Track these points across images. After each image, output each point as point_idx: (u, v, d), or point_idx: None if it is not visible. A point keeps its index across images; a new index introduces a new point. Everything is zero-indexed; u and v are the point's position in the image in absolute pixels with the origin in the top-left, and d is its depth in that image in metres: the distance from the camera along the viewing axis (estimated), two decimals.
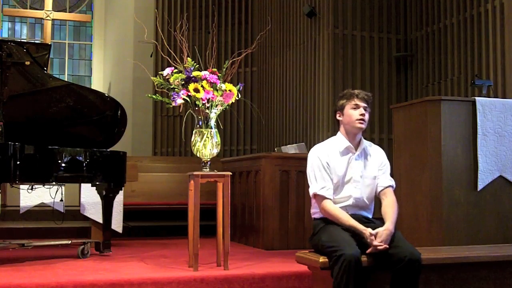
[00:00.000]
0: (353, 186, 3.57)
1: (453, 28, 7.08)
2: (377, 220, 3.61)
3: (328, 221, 3.53)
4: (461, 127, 4.65)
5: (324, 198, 3.52)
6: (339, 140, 3.66)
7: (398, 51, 7.91)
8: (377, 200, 3.69)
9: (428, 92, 7.40)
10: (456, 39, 7.03)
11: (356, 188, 3.57)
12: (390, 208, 3.56)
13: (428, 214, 4.53)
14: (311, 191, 3.57)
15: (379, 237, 3.28)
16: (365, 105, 3.62)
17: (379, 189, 3.66)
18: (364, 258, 3.29)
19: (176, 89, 4.29)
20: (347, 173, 3.58)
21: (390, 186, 3.67)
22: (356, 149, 3.63)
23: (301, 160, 5.35)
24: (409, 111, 4.97)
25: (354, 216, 3.52)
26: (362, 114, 3.60)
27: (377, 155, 3.72)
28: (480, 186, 4.60)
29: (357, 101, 3.61)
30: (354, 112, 3.60)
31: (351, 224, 3.39)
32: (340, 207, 3.53)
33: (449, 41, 7.14)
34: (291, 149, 6.77)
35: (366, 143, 3.71)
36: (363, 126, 3.61)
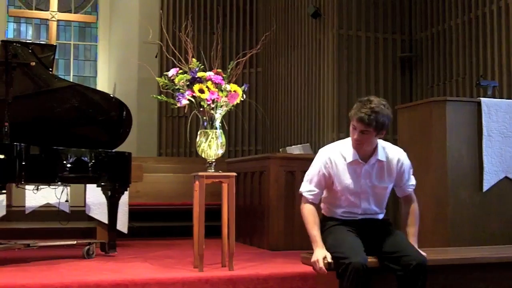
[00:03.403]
0: (362, 197, 3.51)
1: (458, 28, 7.07)
2: (388, 222, 3.61)
3: (334, 219, 3.54)
4: (466, 128, 4.65)
5: (307, 200, 3.54)
6: (349, 149, 3.49)
7: (403, 52, 7.90)
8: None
9: (433, 92, 7.38)
10: (461, 39, 7.02)
11: (365, 198, 3.52)
12: (411, 219, 3.56)
13: (433, 215, 4.52)
14: (300, 189, 3.60)
15: None
16: (364, 128, 3.35)
17: (399, 194, 3.63)
18: (370, 259, 3.29)
19: (181, 90, 4.29)
20: (354, 184, 3.49)
21: (410, 192, 3.62)
22: (367, 159, 3.47)
23: (306, 161, 5.33)
24: (414, 112, 4.97)
25: (364, 221, 3.51)
26: (357, 140, 3.41)
27: (393, 159, 3.53)
28: (485, 187, 4.60)
29: (354, 123, 3.40)
30: (352, 132, 3.43)
31: (312, 235, 3.42)
32: (348, 212, 3.52)
33: (454, 42, 7.13)
34: (296, 149, 6.78)
35: (381, 151, 3.50)
36: (359, 149, 3.44)
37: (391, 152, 3.55)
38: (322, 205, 3.63)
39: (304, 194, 3.56)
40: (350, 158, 3.48)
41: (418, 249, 3.37)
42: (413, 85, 7.90)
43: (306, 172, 3.61)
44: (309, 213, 3.50)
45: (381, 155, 3.49)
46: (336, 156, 3.52)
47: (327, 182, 3.52)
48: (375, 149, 3.48)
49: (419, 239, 3.54)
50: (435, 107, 4.68)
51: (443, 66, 7.33)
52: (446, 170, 4.56)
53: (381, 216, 3.61)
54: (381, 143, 3.55)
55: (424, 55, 7.71)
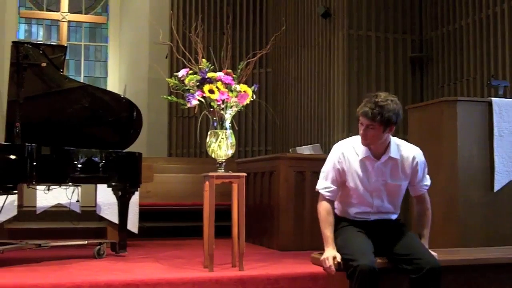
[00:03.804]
0: (375, 194, 3.50)
1: (469, 28, 7.04)
2: (401, 223, 3.60)
3: (346, 220, 3.53)
4: (477, 127, 4.62)
5: (324, 198, 3.53)
6: (362, 146, 3.48)
7: (413, 52, 7.88)
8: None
9: (443, 92, 7.36)
10: (472, 39, 6.98)
11: (378, 196, 3.50)
12: (423, 220, 3.55)
13: (444, 215, 4.51)
14: (316, 186, 3.59)
15: None
16: (369, 123, 3.36)
17: (412, 194, 3.62)
18: (380, 260, 3.29)
19: (191, 90, 4.30)
20: (366, 181, 3.48)
21: (424, 192, 3.60)
22: (380, 157, 3.46)
23: (316, 161, 5.34)
24: (424, 111, 4.96)
25: (376, 222, 3.50)
26: (362, 135, 3.43)
27: (408, 158, 3.51)
28: (496, 187, 4.58)
29: (360, 118, 3.42)
30: (360, 127, 3.45)
31: (324, 235, 3.42)
32: (361, 212, 3.52)
33: (465, 42, 7.10)
34: (306, 150, 6.77)
35: (394, 149, 3.48)
36: (365, 144, 3.45)
37: (406, 150, 3.53)
38: (335, 204, 3.62)
39: (320, 191, 3.54)
40: (362, 155, 3.47)
41: (430, 251, 3.36)
42: (423, 85, 7.88)
43: (321, 169, 3.60)
44: (324, 212, 3.50)
45: (394, 153, 3.47)
46: (349, 151, 3.52)
47: (341, 177, 3.51)
48: (387, 146, 3.47)
49: (430, 239, 3.53)
50: (446, 107, 4.66)
51: (453, 66, 7.30)
52: (457, 170, 4.54)
53: (394, 217, 3.59)
54: (395, 140, 3.53)
55: (434, 55, 7.68)
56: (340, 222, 3.55)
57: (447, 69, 7.42)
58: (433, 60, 7.71)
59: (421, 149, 3.59)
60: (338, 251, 3.33)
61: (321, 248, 3.44)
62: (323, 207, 3.52)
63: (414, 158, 3.51)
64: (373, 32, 7.76)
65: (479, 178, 4.59)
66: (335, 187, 3.52)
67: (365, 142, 3.45)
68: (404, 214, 4.82)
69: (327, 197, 3.52)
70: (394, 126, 3.40)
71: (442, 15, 7.53)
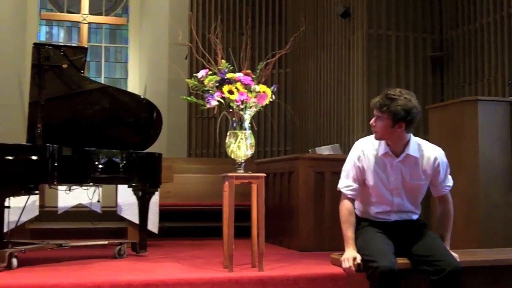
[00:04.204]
0: (395, 193, 3.48)
1: (490, 27, 6.97)
2: (423, 223, 3.57)
3: (366, 221, 3.52)
4: (498, 127, 4.59)
5: (346, 197, 3.51)
6: (381, 143, 3.46)
7: (433, 51, 7.82)
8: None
9: (464, 92, 7.29)
10: (493, 38, 6.91)
11: (398, 194, 3.49)
12: (445, 221, 3.53)
13: (465, 215, 4.47)
14: (338, 185, 3.58)
15: None
16: (377, 113, 3.39)
17: (434, 194, 3.60)
18: (400, 261, 3.27)
19: (210, 91, 4.31)
20: (385, 178, 3.47)
21: (447, 193, 3.58)
22: (399, 154, 3.44)
23: (336, 162, 5.33)
24: (445, 111, 4.93)
25: (397, 223, 3.48)
26: (371, 124, 3.44)
27: (429, 158, 3.47)
28: None
29: (374, 110, 3.43)
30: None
31: (345, 236, 3.41)
32: (381, 212, 3.50)
33: (486, 41, 7.03)
34: (325, 150, 6.75)
35: (414, 147, 3.45)
36: (376, 136, 3.44)
37: (427, 150, 3.50)
38: (356, 204, 3.61)
39: (342, 190, 3.53)
40: (381, 151, 3.46)
41: (451, 252, 3.34)
42: (444, 85, 7.81)
43: (342, 168, 3.60)
44: (345, 212, 3.48)
45: (413, 151, 3.44)
46: (368, 148, 3.51)
47: (362, 175, 3.50)
48: (407, 144, 3.46)
49: (451, 240, 3.51)
50: (467, 107, 4.63)
51: (474, 66, 7.23)
52: (478, 170, 4.51)
53: (415, 217, 3.57)
54: (416, 139, 3.52)
55: (455, 54, 7.62)
56: (361, 222, 3.54)
57: (467, 69, 7.36)
58: (453, 59, 7.64)
59: (441, 148, 3.56)
60: (358, 251, 3.32)
61: (341, 249, 3.43)
62: (345, 207, 3.50)
63: (435, 158, 3.48)
64: (393, 32, 7.72)
65: (500, 178, 4.55)
66: (356, 185, 3.51)
67: (375, 135, 3.45)
68: (426, 213, 4.79)
69: (349, 196, 3.51)
70: (403, 122, 3.36)
71: (463, 14, 7.47)
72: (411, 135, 3.46)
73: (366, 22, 7.64)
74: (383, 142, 3.47)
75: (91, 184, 5.09)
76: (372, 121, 3.43)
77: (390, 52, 7.68)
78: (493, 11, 6.92)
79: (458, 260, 3.27)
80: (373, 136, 3.56)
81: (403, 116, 3.33)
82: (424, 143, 3.54)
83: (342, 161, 3.64)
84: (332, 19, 8.60)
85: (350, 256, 3.29)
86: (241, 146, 4.29)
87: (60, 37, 11.43)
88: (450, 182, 3.57)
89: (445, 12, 7.83)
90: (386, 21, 7.71)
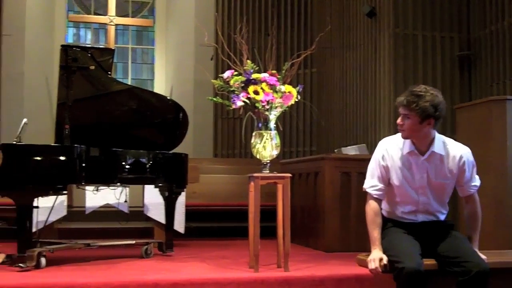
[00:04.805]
0: (420, 192, 3.46)
1: None
2: (450, 223, 3.54)
3: (392, 221, 3.50)
4: None
5: (372, 197, 3.49)
6: (406, 141, 3.46)
7: (461, 50, 7.74)
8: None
9: (492, 91, 7.20)
10: None
11: (423, 193, 3.46)
12: (472, 222, 3.50)
13: (493, 216, 4.42)
14: (363, 186, 3.56)
15: None
16: (404, 111, 3.37)
17: (460, 194, 3.57)
18: (427, 262, 3.25)
19: (236, 92, 4.32)
20: (412, 177, 3.45)
21: (473, 193, 3.54)
22: (424, 152, 3.43)
23: (362, 162, 5.29)
24: (473, 111, 4.88)
25: (425, 224, 3.45)
26: (398, 124, 3.42)
27: (455, 156, 3.46)
28: None
29: (399, 109, 3.42)
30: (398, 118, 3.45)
31: (371, 237, 3.39)
32: (408, 212, 3.48)
33: None
34: (351, 150, 6.71)
35: (439, 145, 3.44)
36: (402, 135, 3.42)
37: (453, 149, 3.47)
38: (382, 204, 3.59)
39: (368, 190, 3.52)
40: (406, 150, 3.44)
41: (479, 253, 3.31)
42: (471, 84, 7.73)
43: (368, 168, 3.58)
44: (372, 212, 3.47)
45: (438, 148, 3.41)
46: (392, 147, 3.49)
47: (387, 174, 3.48)
48: (432, 141, 3.43)
49: (479, 241, 3.47)
50: (495, 106, 4.58)
51: (502, 65, 7.14)
52: (507, 170, 4.46)
53: (442, 217, 3.54)
54: (442, 137, 3.49)
55: (482, 53, 7.53)
56: (387, 223, 3.52)
57: (495, 68, 7.27)
58: (481, 58, 7.56)
59: (469, 149, 3.53)
60: (384, 252, 3.31)
61: (367, 250, 3.42)
62: (370, 207, 3.49)
63: (461, 157, 3.45)
64: (419, 31, 7.66)
65: None
66: (382, 185, 3.49)
67: (402, 134, 3.42)
68: (454, 214, 4.75)
69: (375, 196, 3.49)
70: (432, 119, 3.34)
71: (491, 13, 7.38)
72: (436, 132, 3.44)
73: (393, 21, 7.60)
74: (408, 141, 3.45)
75: (118, 184, 5.13)
76: (399, 120, 3.40)
77: (417, 51, 7.62)
78: None
79: (486, 261, 3.24)
80: (397, 135, 3.55)
81: (432, 112, 3.31)
82: (449, 141, 3.51)
83: (368, 161, 3.63)
84: (358, 18, 8.56)
85: (376, 257, 3.27)
86: (266, 146, 4.29)
87: (87, 39, 11.55)
88: (476, 182, 3.53)
89: (473, 11, 7.74)
90: (413, 20, 7.65)
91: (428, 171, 3.42)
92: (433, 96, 3.34)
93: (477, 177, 3.54)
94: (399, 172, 3.44)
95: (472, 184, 3.51)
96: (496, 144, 4.54)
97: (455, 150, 3.47)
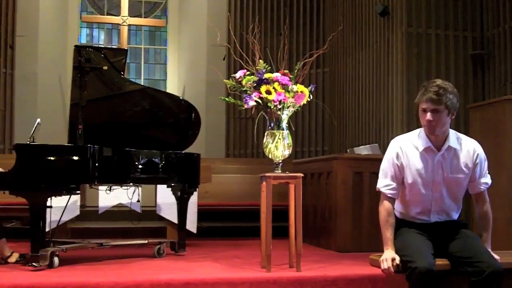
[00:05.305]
0: (434, 188, 3.44)
1: None
2: (464, 222, 3.53)
3: (405, 221, 3.49)
4: None
5: (385, 197, 3.48)
6: (421, 138, 3.44)
7: (474, 49, 7.69)
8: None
9: (506, 91, 7.15)
10: None
11: (437, 190, 3.44)
12: (484, 222, 3.48)
13: (507, 216, 4.40)
14: (377, 185, 3.55)
15: None
16: (435, 106, 3.31)
17: (471, 191, 3.55)
18: (440, 262, 3.24)
19: (248, 92, 4.32)
20: (426, 174, 3.43)
21: (483, 191, 3.52)
22: (440, 148, 3.42)
23: (375, 161, 5.28)
24: (486, 110, 4.85)
25: (438, 224, 3.44)
26: (429, 121, 3.36)
27: (469, 151, 3.45)
28: None
29: (424, 105, 3.35)
30: (423, 115, 3.38)
31: (384, 237, 3.38)
32: (421, 212, 3.46)
33: None
34: (364, 150, 6.70)
35: (454, 139, 3.43)
36: (433, 131, 3.37)
37: (465, 143, 3.47)
38: (395, 205, 3.58)
39: (381, 189, 3.51)
40: (422, 146, 3.42)
41: (492, 253, 3.29)
42: (485, 83, 7.68)
43: (380, 167, 3.57)
44: (385, 212, 3.46)
45: (453, 142, 3.41)
46: (407, 146, 3.47)
47: (400, 173, 3.47)
48: (447, 136, 3.42)
49: (492, 240, 3.45)
50: (508, 106, 4.56)
51: None
52: None
53: (456, 216, 3.52)
54: (455, 133, 3.48)
55: (496, 52, 7.48)
56: (400, 223, 3.51)
57: (509, 67, 7.22)
58: (495, 57, 7.51)
59: (482, 148, 3.51)
60: (396, 252, 3.30)
61: (380, 250, 3.41)
62: (384, 207, 3.48)
63: (474, 150, 3.47)
64: (432, 30, 7.62)
65: None
66: (395, 184, 3.48)
67: (431, 130, 3.37)
68: (467, 214, 4.73)
69: (389, 195, 3.48)
70: (455, 111, 3.35)
71: (504, 11, 7.32)
72: (449, 128, 3.44)
73: (406, 20, 7.57)
74: (423, 137, 3.44)
75: (131, 184, 5.15)
76: (429, 117, 3.34)
77: (430, 50, 7.58)
78: None
79: (499, 261, 3.22)
80: (409, 133, 3.54)
81: (456, 104, 3.35)
82: (462, 136, 3.51)
83: (381, 161, 3.61)
84: (370, 17, 8.54)
85: (389, 257, 3.26)
86: (278, 146, 4.28)
87: (100, 39, 11.61)
88: (487, 179, 3.51)
89: (486, 10, 7.69)
90: (426, 19, 7.62)
91: (443, 167, 3.41)
92: (452, 88, 3.36)
93: (488, 176, 3.52)
94: (413, 170, 3.43)
95: (483, 181, 3.50)
96: (509, 144, 4.52)
97: (468, 144, 3.47)
